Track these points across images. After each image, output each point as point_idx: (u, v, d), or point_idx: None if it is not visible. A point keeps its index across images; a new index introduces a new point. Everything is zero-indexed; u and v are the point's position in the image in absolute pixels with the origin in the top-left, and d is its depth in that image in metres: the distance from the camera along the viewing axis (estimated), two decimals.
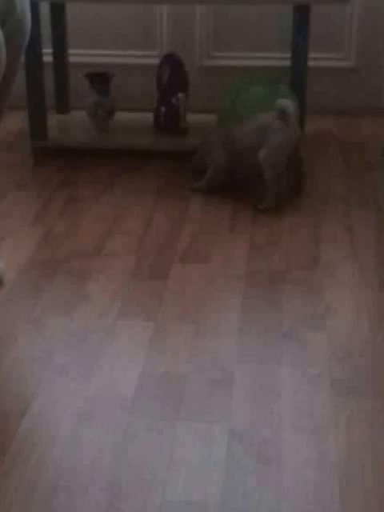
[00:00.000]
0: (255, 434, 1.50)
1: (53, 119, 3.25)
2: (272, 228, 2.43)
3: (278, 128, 2.50)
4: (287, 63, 3.46)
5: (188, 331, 1.86)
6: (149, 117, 3.25)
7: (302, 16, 2.78)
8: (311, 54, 3.54)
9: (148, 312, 1.94)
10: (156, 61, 3.57)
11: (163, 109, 3.03)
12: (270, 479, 1.38)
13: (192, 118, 3.23)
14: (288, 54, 3.50)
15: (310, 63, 3.54)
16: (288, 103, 2.50)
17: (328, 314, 1.93)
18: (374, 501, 1.33)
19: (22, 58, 2.06)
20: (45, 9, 3.47)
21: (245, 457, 1.44)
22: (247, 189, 2.73)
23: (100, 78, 3.04)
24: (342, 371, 1.70)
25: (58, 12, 3.19)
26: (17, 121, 3.52)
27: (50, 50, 3.43)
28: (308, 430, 1.51)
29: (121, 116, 3.28)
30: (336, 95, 3.65)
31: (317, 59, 3.56)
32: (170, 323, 1.89)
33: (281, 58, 3.56)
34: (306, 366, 1.72)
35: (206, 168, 2.72)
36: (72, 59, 3.56)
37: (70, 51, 3.58)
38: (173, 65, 3.02)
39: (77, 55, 3.63)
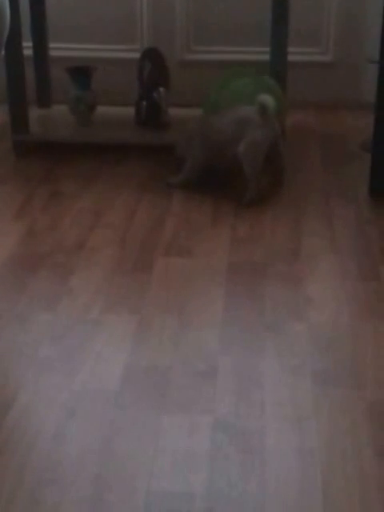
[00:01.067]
0: (239, 424, 1.52)
1: (34, 113, 3.25)
2: (254, 221, 2.45)
3: (257, 123, 2.52)
4: (267, 57, 3.48)
5: (172, 324, 1.87)
6: (130, 111, 3.26)
7: (280, 10, 2.80)
8: (290, 49, 3.56)
9: (132, 305, 1.96)
10: (137, 55, 3.57)
11: (144, 103, 3.03)
12: (253, 468, 1.40)
13: (173, 112, 3.24)
14: (267, 49, 3.51)
15: (289, 57, 3.56)
16: (269, 99, 2.51)
17: (309, 305, 1.96)
18: (355, 488, 1.36)
19: (2, 53, 2.06)
20: (24, 2, 3.46)
21: (229, 447, 1.46)
22: (229, 183, 2.75)
23: (81, 72, 3.04)
24: (324, 361, 1.72)
25: (37, 5, 3.19)
26: None
27: (30, 44, 3.43)
28: (291, 420, 1.53)
29: (102, 110, 3.28)
30: (315, 89, 3.67)
31: (296, 54, 3.58)
32: (154, 316, 1.91)
33: (261, 52, 3.57)
34: (289, 357, 1.74)
35: (184, 161, 2.72)
36: (53, 53, 3.56)
37: (51, 45, 3.58)
38: (154, 59, 3.02)
39: (58, 49, 3.62)
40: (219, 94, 2.86)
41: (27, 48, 3.34)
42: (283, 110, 2.84)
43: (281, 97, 2.82)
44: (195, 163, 2.66)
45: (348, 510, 1.31)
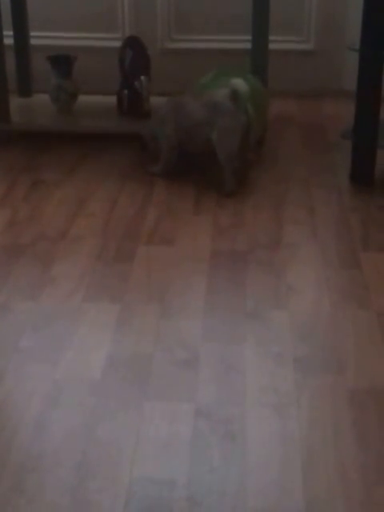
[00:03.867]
0: (220, 411, 1.52)
1: (15, 103, 3.23)
2: (235, 210, 2.45)
3: (229, 109, 2.49)
4: (248, 46, 3.47)
5: (154, 312, 1.87)
6: (112, 100, 3.25)
7: None
8: (271, 37, 3.55)
9: (114, 294, 1.96)
10: (118, 43, 3.56)
11: (126, 92, 3.02)
12: (235, 455, 1.41)
13: (155, 100, 3.23)
14: (248, 37, 3.51)
15: (270, 46, 3.55)
16: (241, 84, 2.49)
17: (290, 293, 1.96)
18: (335, 474, 1.36)
19: None
20: None
21: (211, 434, 1.46)
22: (210, 171, 2.74)
23: (62, 61, 3.03)
24: (305, 349, 1.73)
25: None
26: None
27: (10, 33, 3.40)
28: (272, 407, 1.54)
29: (84, 99, 3.27)
30: (296, 77, 3.67)
31: (276, 42, 3.58)
32: (135, 305, 1.91)
33: (242, 41, 3.57)
34: (270, 345, 1.74)
35: (158, 147, 2.69)
36: (33, 42, 3.54)
37: (32, 34, 3.56)
38: (135, 47, 3.01)
39: (38, 38, 3.60)
40: (203, 91, 2.84)
41: (8, 37, 3.32)
42: (266, 108, 2.83)
43: (265, 96, 2.81)
44: (169, 146, 2.62)
45: (329, 497, 1.32)
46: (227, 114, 2.48)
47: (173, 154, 2.65)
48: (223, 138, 2.50)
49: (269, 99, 2.82)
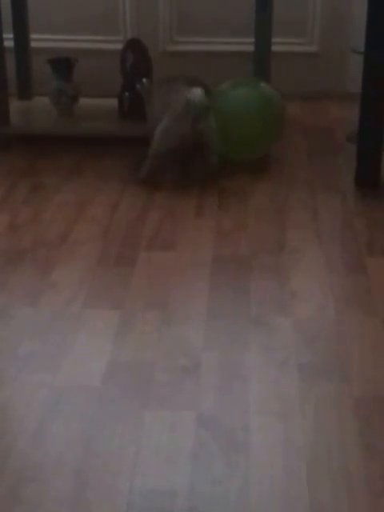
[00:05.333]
0: (223, 420, 1.51)
1: (15, 105, 3.22)
2: (238, 214, 2.44)
3: (175, 113, 2.57)
4: (251, 48, 3.46)
5: (155, 319, 1.86)
6: (113, 103, 3.23)
7: (265, 0, 2.78)
8: (274, 39, 3.53)
9: (115, 300, 1.94)
10: (120, 46, 3.54)
11: (127, 94, 3.02)
12: (238, 465, 1.39)
13: None
14: (251, 39, 3.50)
15: (274, 48, 3.54)
16: (197, 95, 2.56)
17: (294, 299, 1.94)
18: (340, 484, 1.35)
19: None
20: None
21: (213, 443, 1.44)
22: (212, 174, 2.73)
23: (63, 64, 3.02)
24: (310, 356, 1.71)
25: None
26: None
27: (10, 35, 3.40)
28: (275, 415, 1.52)
29: (84, 102, 3.26)
30: (300, 80, 3.66)
31: (280, 44, 3.56)
32: (137, 311, 1.89)
33: (245, 43, 3.56)
34: (273, 352, 1.73)
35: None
36: (34, 44, 3.52)
37: (32, 36, 3.55)
38: (136, 50, 3.00)
39: (39, 40, 3.59)
40: (223, 99, 2.81)
41: (8, 39, 3.31)
42: (278, 118, 2.80)
43: (281, 106, 2.80)
44: (154, 148, 2.65)
45: (334, 507, 1.30)
46: (170, 116, 2.58)
47: (156, 157, 2.66)
48: (158, 133, 2.61)
49: (284, 109, 2.81)
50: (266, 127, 2.72)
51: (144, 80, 2.98)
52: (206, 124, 2.59)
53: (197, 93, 2.56)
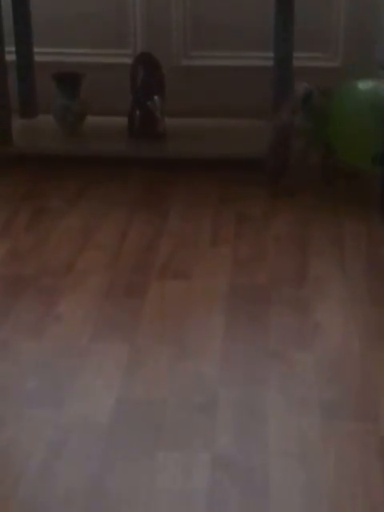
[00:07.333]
0: (241, 461, 1.53)
1: (17, 124, 3.27)
2: (256, 241, 2.47)
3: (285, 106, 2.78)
4: (270, 63, 3.51)
5: (167, 353, 1.89)
6: (123, 121, 3.27)
7: (285, 12, 2.83)
8: (295, 54, 3.58)
9: (124, 333, 1.97)
10: (129, 60, 3.60)
11: (138, 112, 3.06)
12: (256, 509, 1.42)
13: (169, 122, 3.27)
14: (270, 54, 3.54)
15: (295, 63, 3.58)
16: (300, 89, 2.76)
17: (316, 332, 1.97)
18: None
19: None
20: (6, 3, 3.49)
21: (230, 486, 1.47)
22: (227, 197, 2.76)
23: (69, 79, 3.06)
24: (332, 393, 1.74)
25: (21, 7, 3.21)
26: None
27: (13, 49, 3.45)
28: (296, 457, 1.55)
29: (92, 120, 3.30)
30: None
31: (301, 59, 3.60)
32: (148, 345, 1.92)
33: (263, 58, 3.60)
34: (294, 388, 1.75)
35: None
36: (38, 59, 3.58)
37: (36, 50, 3.61)
38: (147, 65, 3.05)
39: (43, 54, 3.64)
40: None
41: (10, 53, 3.36)
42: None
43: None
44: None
45: None
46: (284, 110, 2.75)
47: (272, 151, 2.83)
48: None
49: None
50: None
51: (155, 97, 3.04)
52: (303, 121, 2.70)
53: (301, 87, 2.71)
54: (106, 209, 2.71)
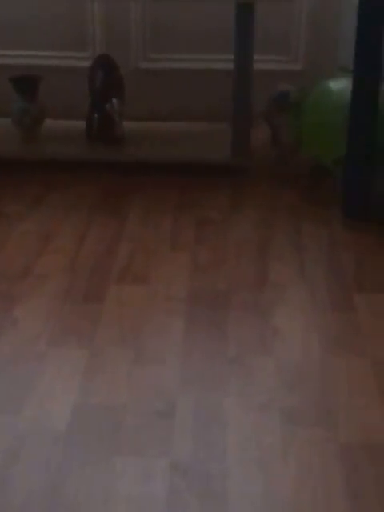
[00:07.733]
0: (199, 467, 1.54)
1: None
2: (216, 245, 2.48)
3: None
4: (231, 65, 3.53)
5: (126, 358, 1.89)
6: (81, 124, 3.27)
7: (245, 15, 2.85)
8: (256, 56, 3.60)
9: (82, 338, 1.97)
10: (88, 63, 3.60)
11: (96, 115, 3.06)
12: None
13: (128, 125, 3.27)
14: (231, 56, 3.56)
15: (255, 66, 3.60)
16: (282, 89, 3.04)
17: (276, 338, 1.98)
18: None
19: None
20: None
21: (188, 493, 1.47)
22: (187, 202, 2.77)
23: (26, 82, 3.06)
24: (292, 399, 1.75)
25: None
26: None
27: None
28: (255, 463, 1.55)
29: (50, 124, 3.30)
30: None
31: (262, 61, 3.63)
32: (106, 350, 1.92)
33: (224, 60, 3.62)
34: (253, 394, 1.76)
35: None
36: None
37: None
38: (106, 67, 3.05)
39: (0, 56, 3.63)
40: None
41: None
42: None
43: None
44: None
45: None
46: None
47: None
48: None
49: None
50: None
51: (114, 100, 3.04)
52: (282, 118, 2.93)
53: (283, 87, 2.97)
54: (63, 213, 2.70)
